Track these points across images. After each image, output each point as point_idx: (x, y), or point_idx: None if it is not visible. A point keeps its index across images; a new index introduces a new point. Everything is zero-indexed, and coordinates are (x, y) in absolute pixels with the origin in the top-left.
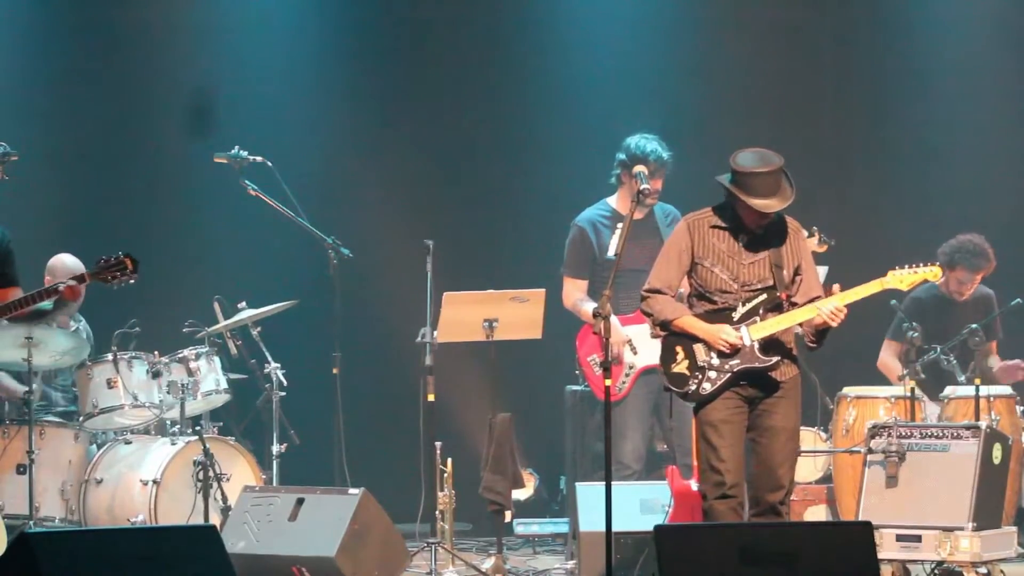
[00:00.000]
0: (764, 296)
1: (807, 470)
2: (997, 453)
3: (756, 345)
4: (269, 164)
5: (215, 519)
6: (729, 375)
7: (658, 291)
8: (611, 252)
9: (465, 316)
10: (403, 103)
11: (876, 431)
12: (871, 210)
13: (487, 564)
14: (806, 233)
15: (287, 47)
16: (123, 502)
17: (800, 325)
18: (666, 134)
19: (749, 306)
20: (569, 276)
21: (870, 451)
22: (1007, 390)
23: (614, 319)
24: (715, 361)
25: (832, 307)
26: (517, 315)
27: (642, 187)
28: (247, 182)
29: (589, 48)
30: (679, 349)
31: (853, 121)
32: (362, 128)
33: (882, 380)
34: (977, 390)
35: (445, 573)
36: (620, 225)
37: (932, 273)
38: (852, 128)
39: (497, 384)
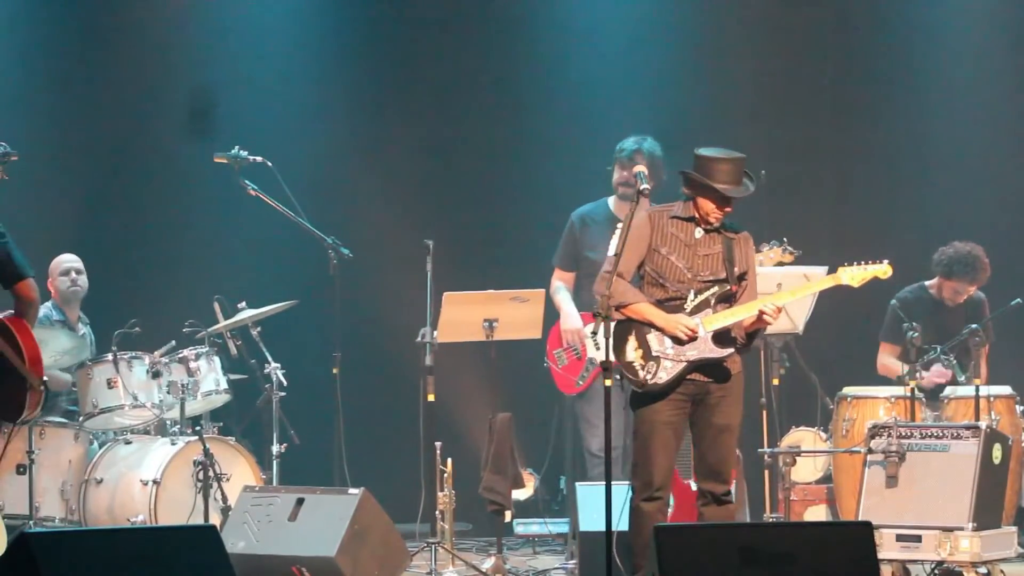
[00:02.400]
0: (715, 288)
1: (807, 470)
2: (997, 453)
3: (709, 336)
4: (269, 164)
5: (215, 519)
6: (684, 364)
7: (617, 274)
8: (611, 251)
9: (465, 316)
10: (403, 103)
11: (876, 431)
12: (869, 211)
13: (487, 564)
14: (766, 247)
15: (287, 47)
16: (123, 502)
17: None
18: (665, 134)
19: (701, 297)
20: (557, 266)
21: (870, 451)
22: (1007, 390)
23: (574, 310)
24: (669, 351)
25: (774, 305)
26: (517, 315)
27: (642, 187)
28: (247, 182)
29: (589, 48)
30: (632, 338)
31: (852, 123)
32: (362, 128)
33: (882, 380)
34: (977, 390)
35: (445, 573)
36: (619, 226)
37: (882, 271)
38: (851, 129)
39: (497, 384)
